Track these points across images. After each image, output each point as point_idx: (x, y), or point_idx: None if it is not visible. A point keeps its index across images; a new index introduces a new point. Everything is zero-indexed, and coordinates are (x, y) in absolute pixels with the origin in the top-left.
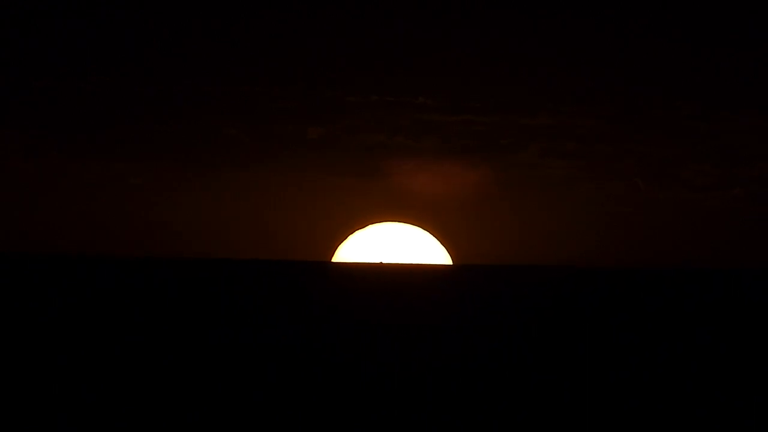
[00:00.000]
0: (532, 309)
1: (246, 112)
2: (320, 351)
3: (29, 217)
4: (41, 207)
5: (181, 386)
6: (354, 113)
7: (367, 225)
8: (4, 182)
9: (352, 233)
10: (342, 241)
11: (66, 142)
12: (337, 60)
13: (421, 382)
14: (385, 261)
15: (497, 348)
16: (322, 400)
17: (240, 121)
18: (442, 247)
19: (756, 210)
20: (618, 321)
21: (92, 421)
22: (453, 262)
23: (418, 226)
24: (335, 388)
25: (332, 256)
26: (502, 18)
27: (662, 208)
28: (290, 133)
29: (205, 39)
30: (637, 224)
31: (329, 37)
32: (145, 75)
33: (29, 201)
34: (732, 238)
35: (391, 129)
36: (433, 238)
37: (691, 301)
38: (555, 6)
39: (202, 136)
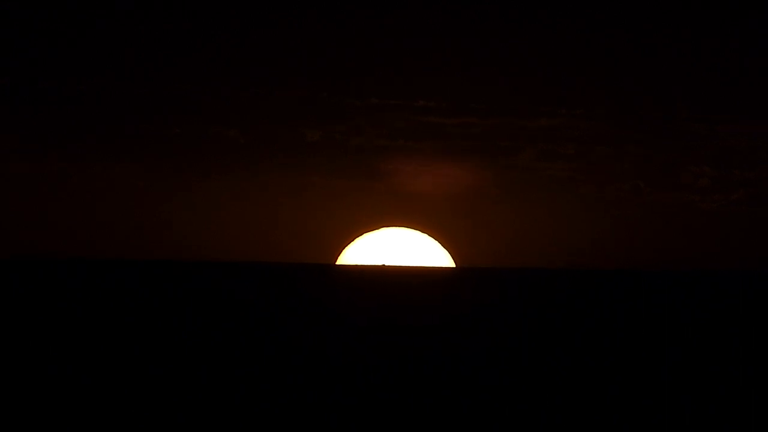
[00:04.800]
0: (533, 310)
1: (247, 115)
2: (323, 352)
3: (30, 221)
4: (42, 211)
5: (187, 388)
6: (354, 116)
7: (369, 228)
8: (5, 186)
9: (354, 236)
10: (345, 244)
11: (67, 145)
12: (337, 63)
13: (424, 382)
14: (387, 264)
15: (499, 349)
16: (327, 401)
17: (241, 124)
18: (444, 250)
19: (755, 212)
20: (618, 322)
21: (98, 423)
22: (455, 264)
23: (420, 228)
24: (339, 389)
25: (336, 259)
26: (501, 20)
27: (662, 210)
28: (290, 136)
29: (206, 43)
30: (638, 226)
31: (329, 40)
32: (147, 78)
33: (30, 205)
34: (732, 240)
35: (390, 132)
36: (435, 241)
37: (691, 302)
38: (555, 8)
39: (205, 139)
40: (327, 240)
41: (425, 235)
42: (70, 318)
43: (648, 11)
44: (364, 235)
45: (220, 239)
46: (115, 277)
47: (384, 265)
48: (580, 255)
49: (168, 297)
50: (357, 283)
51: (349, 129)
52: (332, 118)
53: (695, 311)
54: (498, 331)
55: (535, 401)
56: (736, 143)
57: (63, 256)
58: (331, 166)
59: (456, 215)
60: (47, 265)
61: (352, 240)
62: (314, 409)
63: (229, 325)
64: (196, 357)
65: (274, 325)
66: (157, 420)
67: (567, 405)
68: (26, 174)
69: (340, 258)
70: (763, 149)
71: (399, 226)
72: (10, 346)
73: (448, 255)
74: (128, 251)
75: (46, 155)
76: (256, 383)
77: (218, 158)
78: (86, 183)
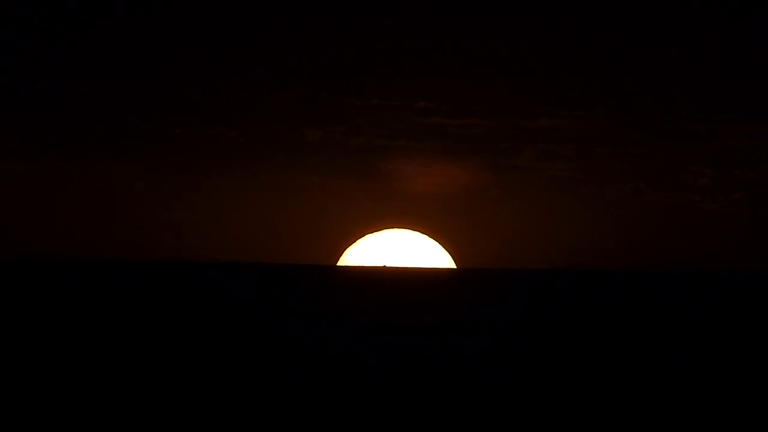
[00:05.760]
0: (533, 311)
1: (247, 115)
2: (324, 352)
3: (30, 221)
4: (42, 211)
5: (187, 388)
6: (354, 116)
7: (369, 228)
8: (5, 186)
9: (355, 237)
10: (346, 245)
11: (67, 145)
12: (337, 63)
13: (424, 382)
14: (388, 265)
15: (499, 349)
16: (327, 401)
17: (241, 124)
18: (444, 251)
19: (755, 212)
20: (618, 322)
21: (98, 423)
22: (455, 265)
23: (420, 229)
24: (339, 389)
25: (337, 260)
26: (501, 20)
27: (662, 210)
28: (291, 136)
29: (205, 42)
30: (638, 226)
31: (329, 40)
32: (147, 78)
33: (30, 205)
34: (732, 240)
35: (391, 132)
36: (435, 242)
37: (691, 302)
38: (555, 8)
39: (205, 139)
40: (328, 241)
41: (425, 236)
42: (70, 318)
43: (648, 11)
44: (366, 236)
45: (220, 240)
46: (115, 277)
47: (385, 266)
48: (580, 255)
49: (168, 297)
50: (358, 284)
51: (349, 129)
52: (332, 118)
53: (695, 311)
54: (498, 331)
55: (535, 401)
56: (736, 143)
57: (63, 256)
58: (331, 167)
59: (456, 216)
60: (47, 265)
61: (353, 241)
62: (314, 409)
63: (229, 326)
64: (197, 357)
65: (275, 325)
66: (157, 420)
67: (567, 405)
68: (26, 174)
69: (341, 259)
70: (763, 149)
71: (399, 227)
72: (10, 346)
73: (449, 256)
74: (128, 251)
75: (46, 155)
76: (256, 383)
77: (218, 158)
78: (86, 183)
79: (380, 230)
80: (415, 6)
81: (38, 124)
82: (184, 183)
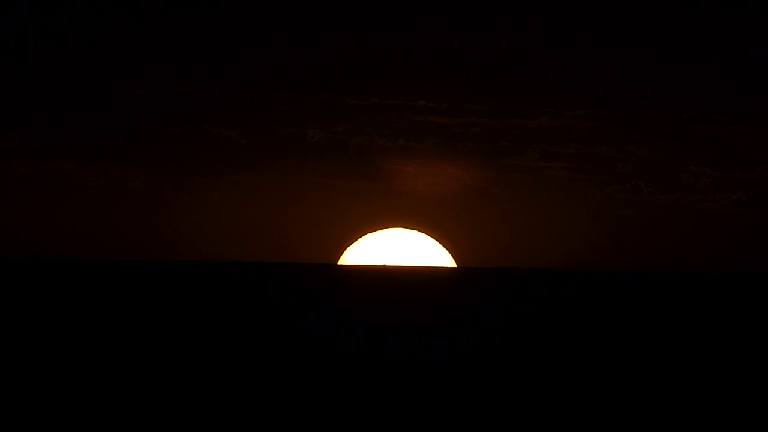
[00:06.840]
0: (533, 310)
1: (247, 115)
2: (324, 351)
3: (31, 221)
4: (43, 211)
5: (189, 387)
6: (354, 116)
7: (370, 228)
8: (6, 186)
9: (355, 236)
10: (346, 245)
11: (67, 145)
12: (337, 63)
13: (424, 381)
14: (389, 264)
15: (499, 349)
16: (328, 398)
17: (241, 124)
18: (445, 250)
19: (756, 212)
20: (618, 323)
21: (98, 423)
22: (455, 264)
23: (420, 228)
24: (340, 388)
25: (338, 259)
26: (501, 21)
27: (663, 210)
28: (291, 136)
29: (206, 43)
30: (638, 226)
31: (330, 40)
32: (146, 79)
33: (31, 205)
34: (732, 241)
35: (391, 132)
36: (435, 241)
37: (692, 303)
38: (555, 8)
39: (205, 139)
40: (328, 240)
41: (425, 236)
42: (70, 318)
43: (649, 11)
44: (366, 235)
45: (221, 239)
46: (115, 277)
47: (385, 265)
48: (580, 255)
49: (168, 297)
50: (358, 283)
51: (350, 129)
52: (333, 118)
53: (695, 312)
54: (498, 331)
55: (535, 401)
56: (736, 143)
57: (63, 256)
58: (332, 167)
59: (456, 215)
60: (47, 265)
61: (354, 240)
62: (316, 407)
63: (229, 325)
64: (198, 356)
65: (275, 324)
66: (158, 420)
67: (567, 405)
68: (27, 174)
69: (342, 258)
70: (763, 149)
71: (400, 226)
72: (10, 346)
73: (449, 255)
74: (128, 251)
75: (46, 155)
76: (257, 381)
77: (218, 158)
78: (86, 183)
79: (380, 229)
80: (416, 6)
81: (39, 124)
82: (184, 183)
